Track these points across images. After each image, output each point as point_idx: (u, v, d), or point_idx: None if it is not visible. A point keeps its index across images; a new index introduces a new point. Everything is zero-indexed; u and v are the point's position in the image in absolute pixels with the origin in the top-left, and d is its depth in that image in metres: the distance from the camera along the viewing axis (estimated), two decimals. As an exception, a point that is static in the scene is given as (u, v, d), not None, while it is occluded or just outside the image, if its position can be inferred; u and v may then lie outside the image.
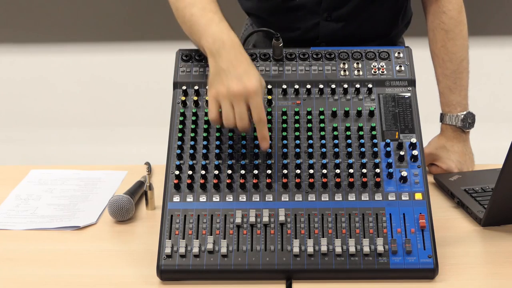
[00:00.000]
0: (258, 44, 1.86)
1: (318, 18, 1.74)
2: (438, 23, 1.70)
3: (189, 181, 1.38)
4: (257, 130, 1.36)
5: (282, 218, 1.32)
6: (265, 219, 1.32)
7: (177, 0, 1.53)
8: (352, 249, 1.28)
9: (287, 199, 1.36)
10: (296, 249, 1.28)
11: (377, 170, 1.37)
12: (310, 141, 1.42)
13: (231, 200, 1.36)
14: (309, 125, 1.45)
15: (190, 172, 1.38)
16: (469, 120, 1.70)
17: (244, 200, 1.36)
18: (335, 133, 1.43)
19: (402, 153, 1.40)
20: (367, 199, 1.35)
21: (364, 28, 1.77)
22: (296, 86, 1.49)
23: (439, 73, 1.72)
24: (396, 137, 1.43)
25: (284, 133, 1.43)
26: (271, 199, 1.36)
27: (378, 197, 1.36)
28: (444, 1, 1.69)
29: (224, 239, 1.31)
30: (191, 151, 1.41)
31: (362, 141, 1.42)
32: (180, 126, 1.45)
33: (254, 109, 1.34)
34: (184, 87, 1.49)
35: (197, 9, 1.48)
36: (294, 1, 1.73)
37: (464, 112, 1.70)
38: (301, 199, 1.36)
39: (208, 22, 1.44)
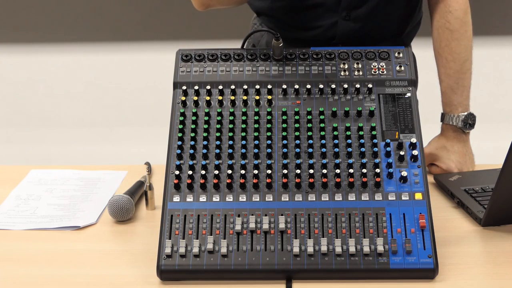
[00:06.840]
0: (270, 45, 1.83)
1: (336, 17, 1.73)
2: (444, 22, 1.69)
3: (189, 181, 1.38)
4: None
5: (282, 226, 1.32)
6: (265, 226, 1.32)
7: None
8: (352, 249, 1.28)
9: (287, 199, 1.36)
10: (296, 249, 1.28)
11: (377, 170, 1.37)
12: (310, 141, 1.41)
13: (231, 200, 1.36)
14: (309, 125, 1.44)
15: (190, 172, 1.38)
16: (469, 121, 1.69)
17: (244, 200, 1.36)
18: (335, 133, 1.43)
19: (402, 153, 1.40)
20: (367, 199, 1.35)
21: (379, 28, 1.76)
22: (296, 86, 1.49)
23: (441, 73, 1.71)
24: (396, 137, 1.43)
25: (284, 133, 1.43)
26: (271, 199, 1.36)
27: (378, 197, 1.35)
28: (451, 1, 1.68)
29: (224, 239, 1.31)
30: (191, 151, 1.41)
31: (362, 141, 1.42)
32: (180, 126, 1.45)
33: None
34: (184, 87, 1.49)
35: None
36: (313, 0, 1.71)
37: (465, 113, 1.70)
38: (301, 199, 1.35)
39: None
